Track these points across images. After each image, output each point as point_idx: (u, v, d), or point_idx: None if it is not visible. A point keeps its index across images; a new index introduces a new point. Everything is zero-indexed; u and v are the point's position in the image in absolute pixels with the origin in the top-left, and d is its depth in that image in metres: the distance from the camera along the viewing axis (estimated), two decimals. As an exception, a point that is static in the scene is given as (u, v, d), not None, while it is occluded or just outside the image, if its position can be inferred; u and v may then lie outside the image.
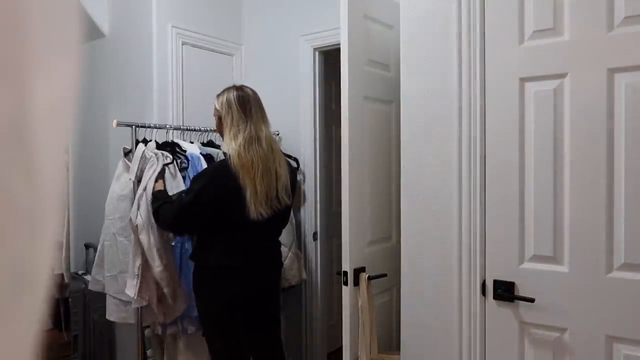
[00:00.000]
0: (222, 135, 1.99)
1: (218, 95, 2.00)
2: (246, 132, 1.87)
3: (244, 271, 1.94)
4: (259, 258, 1.98)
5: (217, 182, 1.87)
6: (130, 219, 2.06)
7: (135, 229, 2.05)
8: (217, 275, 1.92)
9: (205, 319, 2.03)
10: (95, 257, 2.34)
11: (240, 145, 1.85)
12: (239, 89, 1.98)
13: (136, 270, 2.05)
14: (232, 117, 1.90)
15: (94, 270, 2.34)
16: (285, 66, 2.84)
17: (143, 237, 2.04)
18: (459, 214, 1.58)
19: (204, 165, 2.27)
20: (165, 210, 1.95)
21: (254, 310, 2.02)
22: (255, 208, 1.85)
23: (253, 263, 1.96)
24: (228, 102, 1.92)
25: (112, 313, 2.25)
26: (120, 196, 2.25)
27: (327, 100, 2.97)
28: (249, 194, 1.83)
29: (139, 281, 2.05)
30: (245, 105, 1.92)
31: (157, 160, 2.13)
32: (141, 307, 2.15)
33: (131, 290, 2.05)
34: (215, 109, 1.98)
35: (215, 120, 2.02)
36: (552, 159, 1.44)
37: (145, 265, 2.06)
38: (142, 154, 2.14)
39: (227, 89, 1.98)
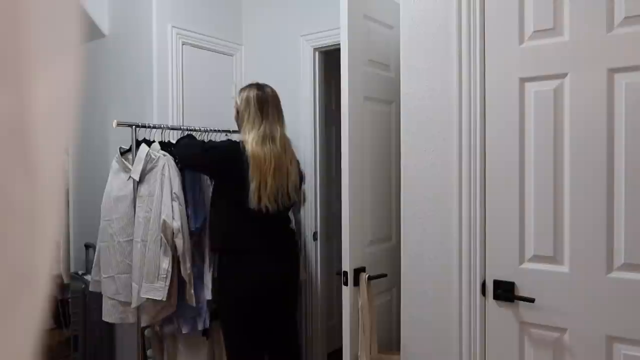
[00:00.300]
0: (239, 127, 2.15)
1: (240, 90, 2.16)
2: (261, 129, 2.01)
3: (264, 254, 2.07)
4: (275, 241, 2.12)
5: (229, 153, 2.01)
6: (165, 222, 2.06)
7: (170, 233, 2.07)
8: (242, 260, 2.04)
9: (230, 306, 2.08)
10: (94, 258, 2.35)
11: (254, 140, 1.99)
12: (260, 88, 2.12)
13: (163, 272, 2.06)
14: (249, 113, 2.04)
15: (93, 271, 2.34)
16: (285, 66, 2.84)
17: (178, 241, 2.09)
18: (459, 214, 1.58)
19: None
20: (187, 144, 2.17)
21: (277, 291, 2.11)
22: (261, 200, 1.97)
23: (271, 246, 2.09)
24: (247, 99, 2.07)
25: (110, 314, 2.24)
26: (118, 197, 2.25)
27: (327, 100, 2.97)
28: (253, 186, 1.95)
29: (167, 283, 2.05)
30: (263, 104, 2.05)
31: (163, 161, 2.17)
32: (138, 307, 2.14)
33: (160, 292, 2.05)
34: (236, 102, 2.14)
35: (234, 113, 2.18)
36: (552, 159, 1.44)
37: (173, 268, 2.09)
38: (147, 154, 2.14)
39: (250, 86, 2.14)
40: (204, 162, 2.10)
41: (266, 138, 1.99)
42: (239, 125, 2.13)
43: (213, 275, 2.23)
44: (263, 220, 2.02)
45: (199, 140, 2.24)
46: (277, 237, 2.12)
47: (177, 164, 2.18)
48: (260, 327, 2.10)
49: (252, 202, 1.94)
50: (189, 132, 2.39)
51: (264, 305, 2.08)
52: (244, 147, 1.99)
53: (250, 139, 1.99)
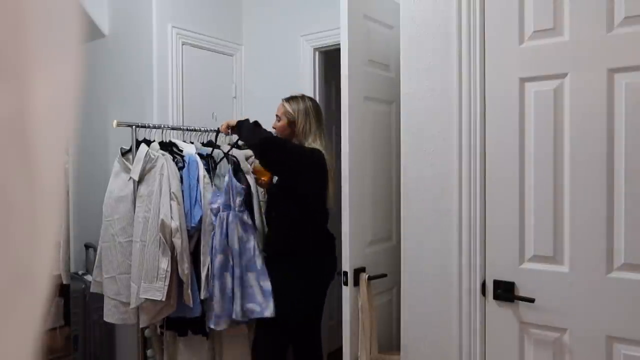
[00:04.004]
0: (288, 136, 2.18)
1: (289, 101, 2.18)
2: (323, 139, 2.16)
3: (329, 254, 2.22)
4: (332, 243, 2.24)
5: (318, 161, 2.08)
6: (163, 221, 2.06)
7: (169, 233, 2.06)
8: (315, 259, 2.15)
9: (286, 304, 2.10)
10: (96, 259, 2.34)
11: (322, 147, 2.12)
12: (312, 100, 2.22)
13: (162, 272, 2.05)
14: (311, 124, 2.14)
15: (94, 272, 2.33)
16: (285, 66, 2.84)
17: (176, 240, 2.08)
18: (459, 214, 1.58)
19: (201, 169, 2.24)
20: (270, 139, 2.09)
21: (325, 289, 2.24)
22: (330, 202, 2.16)
23: (332, 247, 2.23)
24: (306, 110, 2.15)
25: (111, 315, 2.24)
26: (119, 197, 2.25)
27: (327, 100, 2.97)
28: (330, 189, 2.12)
29: (166, 283, 2.05)
30: (320, 116, 2.20)
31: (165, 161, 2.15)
32: (138, 307, 2.14)
33: (159, 292, 2.04)
34: (288, 112, 2.16)
35: (279, 121, 2.19)
36: (552, 159, 1.44)
37: (172, 268, 2.08)
38: (147, 153, 2.14)
39: (301, 98, 2.19)
40: (305, 161, 2.08)
41: (328, 147, 2.15)
42: (291, 135, 2.16)
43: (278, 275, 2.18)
44: (326, 223, 2.21)
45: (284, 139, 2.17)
46: (332, 240, 2.25)
47: (258, 150, 2.10)
48: (304, 319, 2.21)
49: (329, 203, 2.15)
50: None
51: (319, 300, 2.24)
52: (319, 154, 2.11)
53: (322, 148, 2.11)
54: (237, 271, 2.11)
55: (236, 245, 2.12)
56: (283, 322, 2.09)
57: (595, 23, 1.37)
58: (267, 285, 2.12)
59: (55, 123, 0.23)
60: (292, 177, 2.11)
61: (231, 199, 2.15)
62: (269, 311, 2.08)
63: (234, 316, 2.10)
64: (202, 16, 2.80)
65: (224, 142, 2.55)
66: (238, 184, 2.18)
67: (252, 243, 2.14)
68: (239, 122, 2.19)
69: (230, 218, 2.13)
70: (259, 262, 2.14)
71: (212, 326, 2.13)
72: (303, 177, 2.08)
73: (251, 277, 2.12)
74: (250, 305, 2.10)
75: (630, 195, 1.33)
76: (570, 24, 1.41)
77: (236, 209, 2.14)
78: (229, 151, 2.32)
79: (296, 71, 2.78)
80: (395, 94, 1.80)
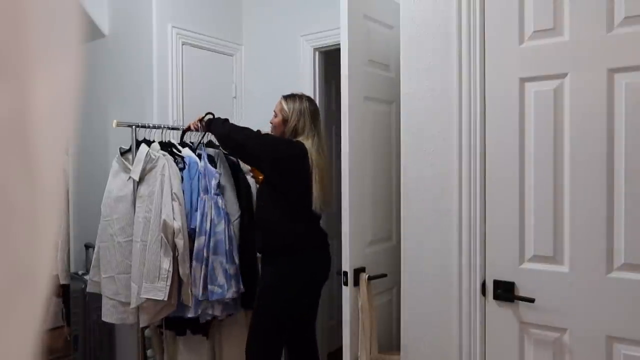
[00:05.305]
0: (281, 134, 2.18)
1: (287, 99, 2.16)
2: (315, 140, 2.12)
3: (322, 251, 2.19)
4: (324, 240, 2.22)
5: (292, 150, 2.06)
6: (165, 222, 2.06)
7: (171, 233, 2.07)
8: (308, 257, 2.13)
9: (288, 300, 2.09)
10: (92, 259, 2.34)
11: (312, 147, 2.09)
12: (310, 100, 2.21)
13: (164, 272, 2.06)
14: (305, 124, 2.13)
15: (91, 272, 2.33)
16: (285, 66, 2.84)
17: (179, 241, 2.09)
18: (459, 214, 1.58)
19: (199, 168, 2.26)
20: (240, 129, 2.13)
21: (318, 288, 2.23)
22: (316, 202, 2.09)
23: (324, 244, 2.21)
24: (301, 111, 2.13)
25: (110, 315, 2.23)
26: (118, 197, 2.24)
27: (327, 100, 2.97)
28: (315, 188, 2.06)
29: (168, 283, 2.05)
30: (316, 118, 2.17)
31: (166, 161, 2.15)
32: (138, 307, 2.14)
33: (161, 292, 2.05)
34: (284, 109, 2.15)
35: (276, 117, 2.19)
36: (552, 159, 1.44)
37: (173, 267, 2.09)
38: (147, 154, 2.14)
39: (300, 97, 2.17)
40: (274, 154, 2.07)
41: (320, 148, 2.12)
42: (283, 134, 2.16)
43: (261, 272, 2.22)
44: (316, 221, 2.17)
45: (257, 131, 2.19)
46: (325, 237, 2.22)
47: (224, 144, 2.20)
48: (299, 318, 2.20)
49: (314, 203, 2.08)
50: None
51: (313, 299, 2.23)
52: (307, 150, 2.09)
53: (309, 146, 2.09)
54: (204, 253, 2.14)
55: (208, 227, 2.14)
56: (278, 320, 2.09)
57: (595, 23, 1.37)
58: (232, 269, 2.16)
59: (55, 123, 0.23)
60: (266, 165, 2.11)
61: (207, 182, 2.19)
62: (230, 292, 2.12)
63: (200, 297, 2.13)
64: (202, 16, 2.80)
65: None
66: (212, 168, 2.22)
67: (222, 227, 2.16)
68: (209, 119, 2.23)
69: (206, 201, 2.16)
70: (226, 246, 2.16)
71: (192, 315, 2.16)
72: (285, 171, 2.07)
73: (215, 260, 2.14)
74: (210, 287, 2.12)
75: (630, 195, 1.33)
76: (570, 24, 1.41)
77: (212, 192, 2.18)
78: (200, 140, 2.37)
79: (296, 71, 2.78)
80: (395, 94, 1.80)
